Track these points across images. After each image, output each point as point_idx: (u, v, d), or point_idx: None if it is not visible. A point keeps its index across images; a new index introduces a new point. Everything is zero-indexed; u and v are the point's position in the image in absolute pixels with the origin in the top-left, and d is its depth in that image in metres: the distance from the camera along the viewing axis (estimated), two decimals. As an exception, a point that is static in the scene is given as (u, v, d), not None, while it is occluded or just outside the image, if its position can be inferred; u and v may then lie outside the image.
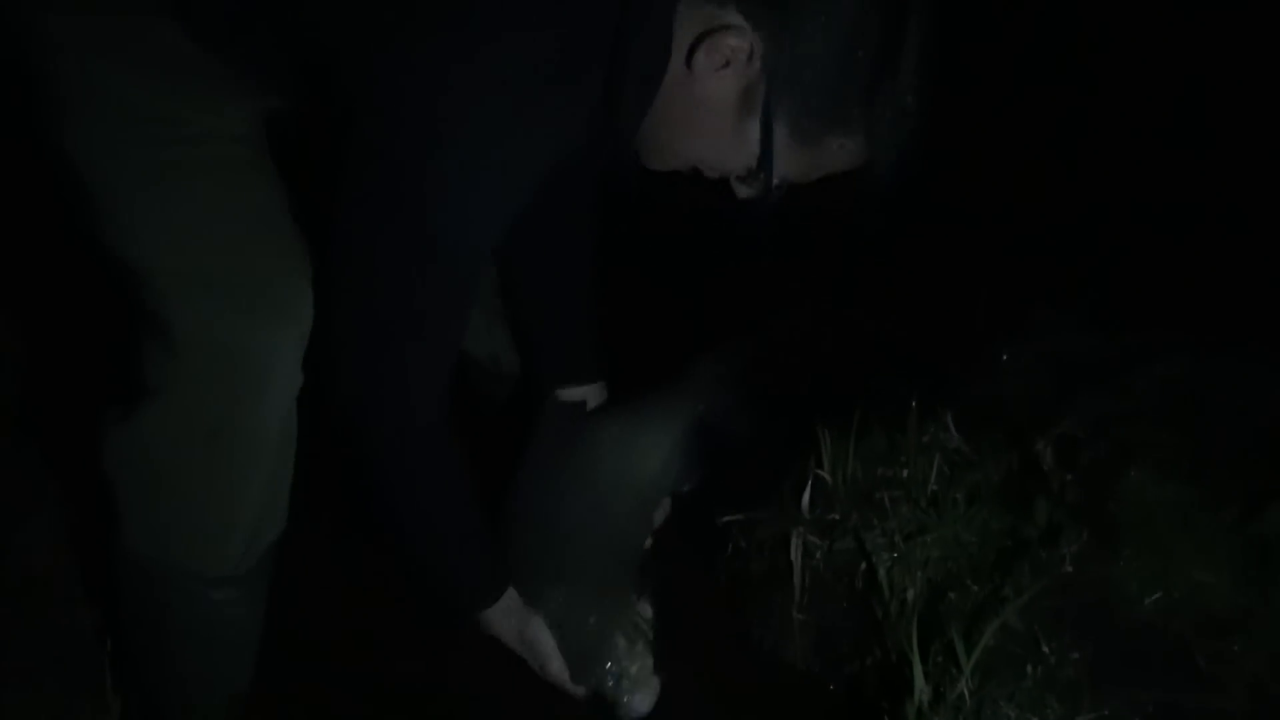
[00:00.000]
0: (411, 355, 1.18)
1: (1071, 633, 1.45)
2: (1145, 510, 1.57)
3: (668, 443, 1.51)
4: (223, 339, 1.22)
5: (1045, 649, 1.43)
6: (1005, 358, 1.99)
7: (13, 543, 1.66)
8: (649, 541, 1.58)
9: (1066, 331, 2.06)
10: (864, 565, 1.65)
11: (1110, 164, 2.51)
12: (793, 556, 1.71)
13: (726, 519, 1.79)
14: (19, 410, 1.94)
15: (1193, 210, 2.34)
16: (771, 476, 1.81)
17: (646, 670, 1.46)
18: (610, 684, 1.44)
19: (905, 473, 1.75)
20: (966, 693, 1.38)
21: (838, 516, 1.72)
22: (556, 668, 1.42)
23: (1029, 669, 1.40)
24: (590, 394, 1.64)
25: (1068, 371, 1.91)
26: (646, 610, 1.53)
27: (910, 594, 1.59)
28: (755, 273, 2.26)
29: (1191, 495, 1.57)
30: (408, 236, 1.11)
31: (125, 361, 1.29)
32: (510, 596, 1.40)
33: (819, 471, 1.75)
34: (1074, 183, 2.50)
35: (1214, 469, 1.62)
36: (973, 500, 1.67)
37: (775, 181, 1.20)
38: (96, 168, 1.20)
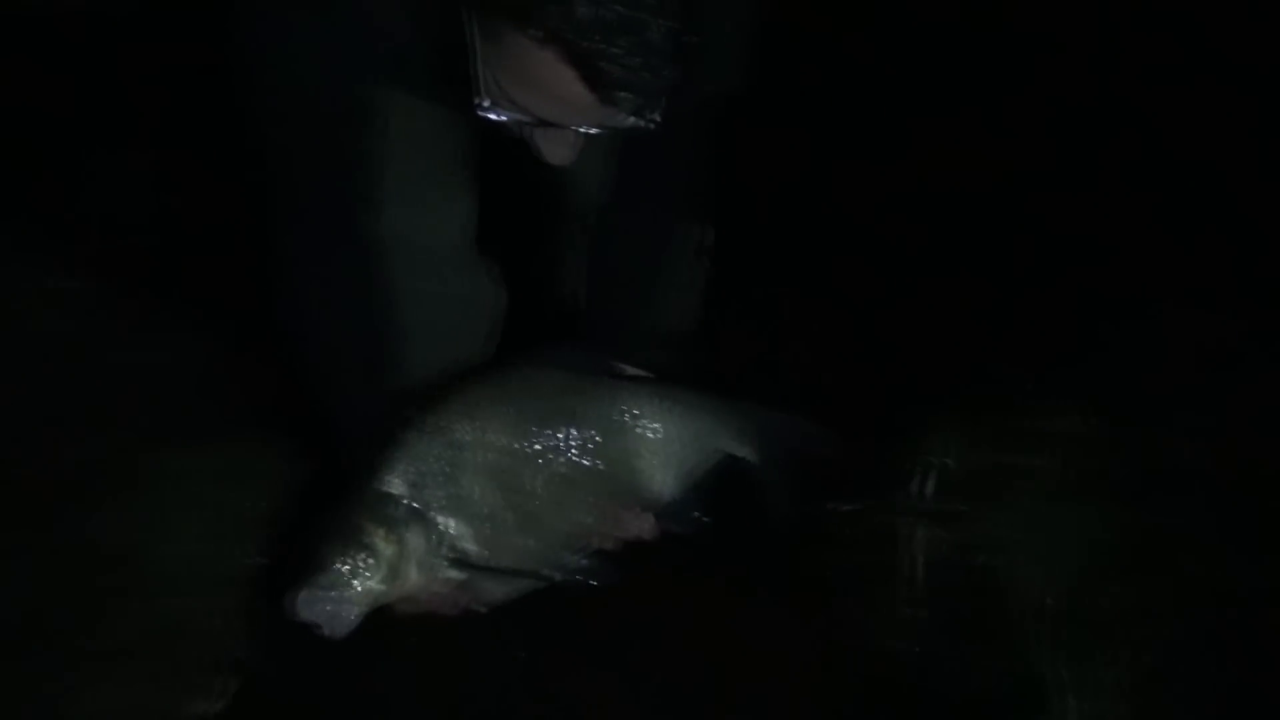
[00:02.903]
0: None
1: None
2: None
3: (685, 451, 1.30)
4: None
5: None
6: (1134, 340, 1.82)
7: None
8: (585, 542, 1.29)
9: (1195, 313, 1.90)
10: (985, 559, 1.51)
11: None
12: (903, 546, 1.57)
13: (832, 506, 1.64)
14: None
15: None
16: (877, 462, 1.66)
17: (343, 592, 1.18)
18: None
19: (1031, 460, 1.60)
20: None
21: (957, 506, 1.57)
22: None
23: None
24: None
25: (1205, 359, 1.75)
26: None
27: (1041, 594, 1.44)
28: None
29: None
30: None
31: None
32: None
33: (937, 458, 1.61)
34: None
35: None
36: (1109, 494, 1.52)
37: (486, 94, 1.06)
38: None
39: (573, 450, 1.26)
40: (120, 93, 2.17)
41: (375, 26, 1.19)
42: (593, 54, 0.97)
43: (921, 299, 2.00)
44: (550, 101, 1.04)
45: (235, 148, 1.29)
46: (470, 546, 1.23)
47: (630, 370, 1.34)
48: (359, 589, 1.16)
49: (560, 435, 1.26)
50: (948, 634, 1.49)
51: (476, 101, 1.07)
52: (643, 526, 1.28)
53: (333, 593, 1.15)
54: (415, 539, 1.20)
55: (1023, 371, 1.74)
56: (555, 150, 1.13)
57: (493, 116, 1.08)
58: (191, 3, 1.44)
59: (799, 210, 2.19)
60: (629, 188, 1.46)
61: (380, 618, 1.19)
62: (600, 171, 1.49)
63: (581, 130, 1.09)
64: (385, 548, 1.17)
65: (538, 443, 1.25)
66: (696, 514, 1.29)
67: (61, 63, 2.17)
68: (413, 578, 1.20)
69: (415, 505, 1.22)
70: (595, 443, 1.26)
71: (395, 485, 1.22)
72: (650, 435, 1.29)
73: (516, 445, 1.24)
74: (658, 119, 1.09)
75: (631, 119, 1.07)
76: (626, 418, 1.28)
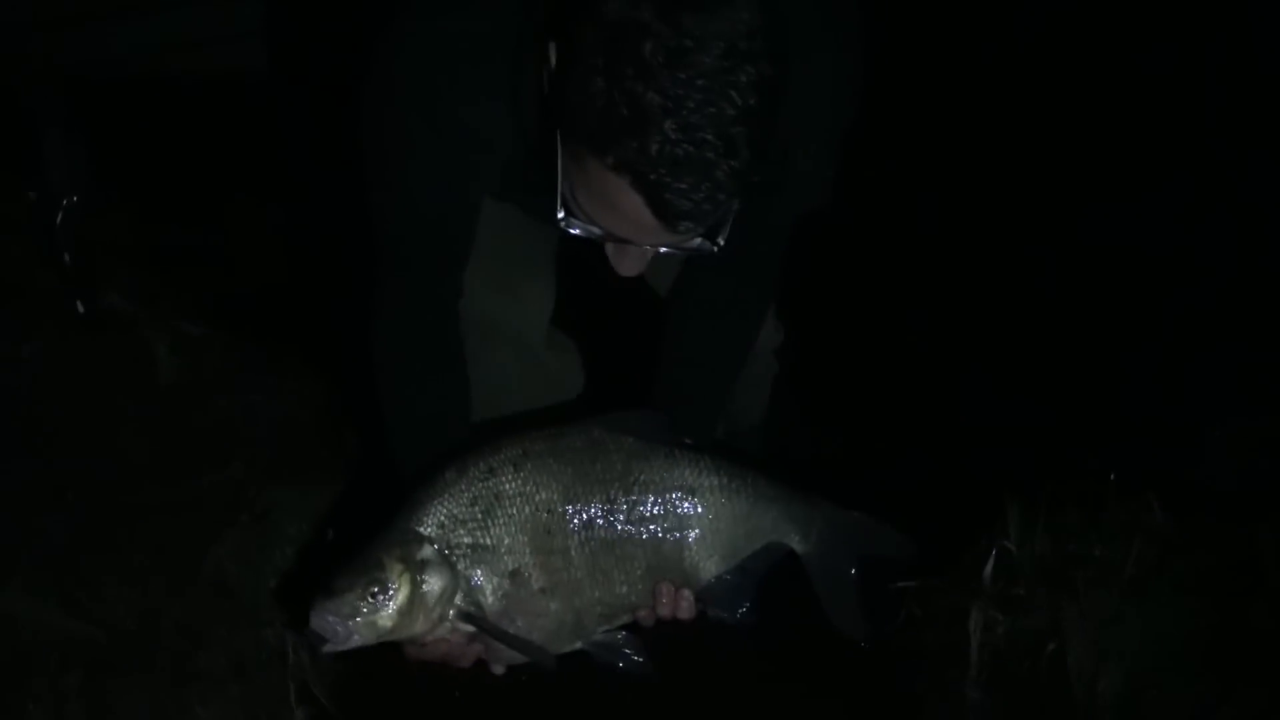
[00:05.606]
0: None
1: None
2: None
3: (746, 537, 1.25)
4: None
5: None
6: (1216, 434, 1.82)
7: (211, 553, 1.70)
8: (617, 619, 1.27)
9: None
10: (1051, 647, 1.52)
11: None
12: (971, 629, 1.59)
13: (900, 584, 1.68)
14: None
15: None
16: (951, 544, 1.69)
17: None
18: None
19: (1101, 552, 1.61)
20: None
21: (1023, 592, 1.59)
22: None
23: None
24: None
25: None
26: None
27: (1103, 686, 1.45)
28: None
29: None
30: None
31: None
32: None
33: (1004, 543, 1.63)
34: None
35: None
36: (1179, 589, 1.52)
37: (566, 209, 1.17)
38: None
39: (618, 516, 1.20)
40: (254, 154, 2.34)
41: (484, 140, 1.31)
42: (660, 186, 1.07)
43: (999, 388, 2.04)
44: (620, 222, 1.15)
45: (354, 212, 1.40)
46: (488, 601, 1.18)
47: (698, 444, 1.34)
48: (363, 619, 1.15)
49: (607, 499, 1.20)
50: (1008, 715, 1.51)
51: (559, 217, 1.19)
52: (681, 606, 1.24)
53: (337, 617, 1.15)
54: (432, 582, 1.16)
55: (1102, 462, 1.75)
56: (625, 263, 1.23)
57: (572, 231, 1.19)
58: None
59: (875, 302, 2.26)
60: (706, 284, 1.55)
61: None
62: (678, 270, 1.59)
63: (649, 247, 1.19)
64: (398, 585, 1.15)
65: (581, 503, 1.19)
66: (746, 605, 1.23)
67: (202, 124, 2.36)
68: (421, 620, 1.17)
69: (440, 548, 1.17)
70: (642, 511, 1.21)
71: (425, 524, 1.18)
72: (703, 511, 1.22)
73: (559, 503, 1.19)
74: (721, 243, 1.19)
75: (697, 240, 1.17)
76: (681, 490, 1.22)
